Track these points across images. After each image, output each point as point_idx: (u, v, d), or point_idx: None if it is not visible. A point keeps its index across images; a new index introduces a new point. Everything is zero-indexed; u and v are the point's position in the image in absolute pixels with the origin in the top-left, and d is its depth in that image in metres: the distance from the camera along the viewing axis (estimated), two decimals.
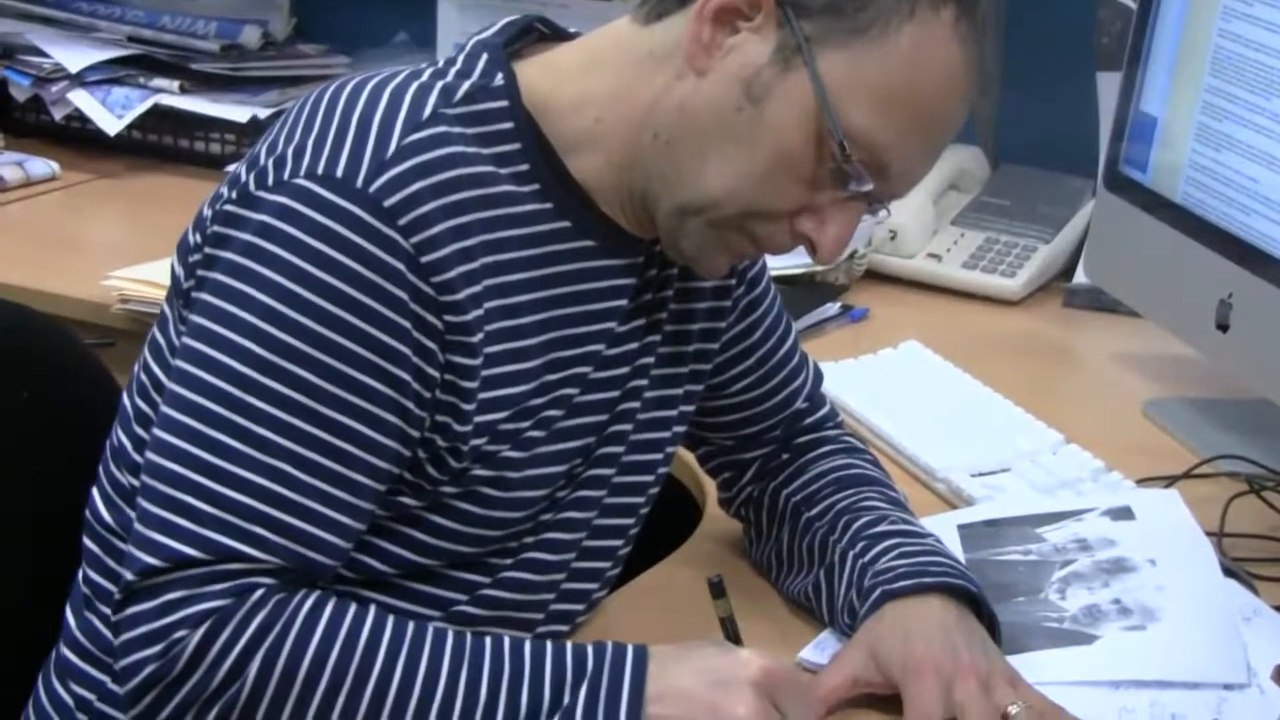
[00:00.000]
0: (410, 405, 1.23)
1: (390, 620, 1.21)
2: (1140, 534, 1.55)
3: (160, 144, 2.57)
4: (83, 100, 2.54)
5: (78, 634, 1.36)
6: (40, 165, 2.52)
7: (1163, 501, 1.63)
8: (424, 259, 1.20)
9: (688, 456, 1.63)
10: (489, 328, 1.25)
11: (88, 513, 1.36)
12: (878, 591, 1.36)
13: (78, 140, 2.57)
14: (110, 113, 2.53)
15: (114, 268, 2.13)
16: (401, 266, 1.20)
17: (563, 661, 1.21)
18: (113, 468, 1.35)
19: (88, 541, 1.36)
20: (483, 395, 1.25)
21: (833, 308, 2.20)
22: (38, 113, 2.60)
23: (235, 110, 2.51)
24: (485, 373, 1.25)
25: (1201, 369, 1.99)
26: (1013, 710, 1.28)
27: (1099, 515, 1.59)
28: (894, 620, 1.34)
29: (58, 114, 2.56)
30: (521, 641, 1.23)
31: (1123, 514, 1.59)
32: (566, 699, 1.19)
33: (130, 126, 2.53)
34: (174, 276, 1.29)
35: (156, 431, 1.23)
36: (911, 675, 1.29)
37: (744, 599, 1.48)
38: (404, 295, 1.20)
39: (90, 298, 2.11)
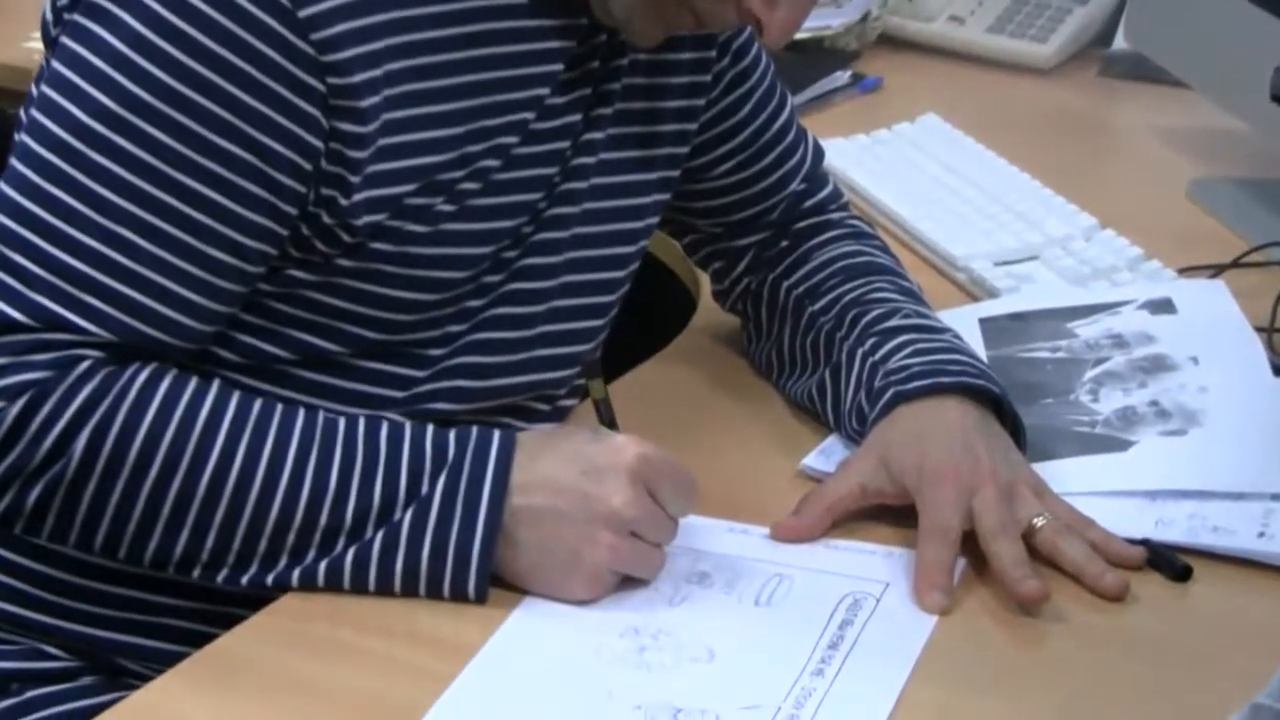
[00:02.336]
0: (282, 177, 1.22)
1: (235, 396, 1.22)
2: (1181, 329, 1.56)
3: None
4: None
5: None
6: None
7: (1207, 293, 1.63)
8: (302, 13, 1.19)
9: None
10: (389, 91, 1.23)
11: None
12: (889, 393, 1.36)
13: None
14: None
15: (35, 30, 2.09)
16: (272, 21, 1.19)
17: (421, 448, 1.22)
18: None
19: None
20: (378, 167, 1.24)
21: (842, 76, 2.17)
22: None
23: None
24: (383, 141, 1.23)
25: (1253, 145, 1.98)
26: (1037, 522, 1.29)
27: (1136, 308, 1.60)
28: (907, 424, 1.34)
29: None
30: (379, 424, 1.23)
31: (1162, 307, 1.60)
32: (424, 489, 1.21)
33: None
34: (43, 23, 1.28)
35: (0, 185, 1.22)
36: (927, 483, 1.29)
37: (741, 403, 1.51)
38: (275, 54, 1.19)
39: (11, 62, 2.13)
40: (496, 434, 1.23)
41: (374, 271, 1.28)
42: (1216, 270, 1.73)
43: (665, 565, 1.26)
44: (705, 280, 1.63)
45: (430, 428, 1.24)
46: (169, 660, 1.22)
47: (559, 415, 1.42)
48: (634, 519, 1.22)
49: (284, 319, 1.29)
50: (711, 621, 1.22)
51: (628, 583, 1.24)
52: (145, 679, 1.21)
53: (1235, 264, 1.75)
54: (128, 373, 1.20)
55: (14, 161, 1.22)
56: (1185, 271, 1.72)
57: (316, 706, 1.14)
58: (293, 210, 1.24)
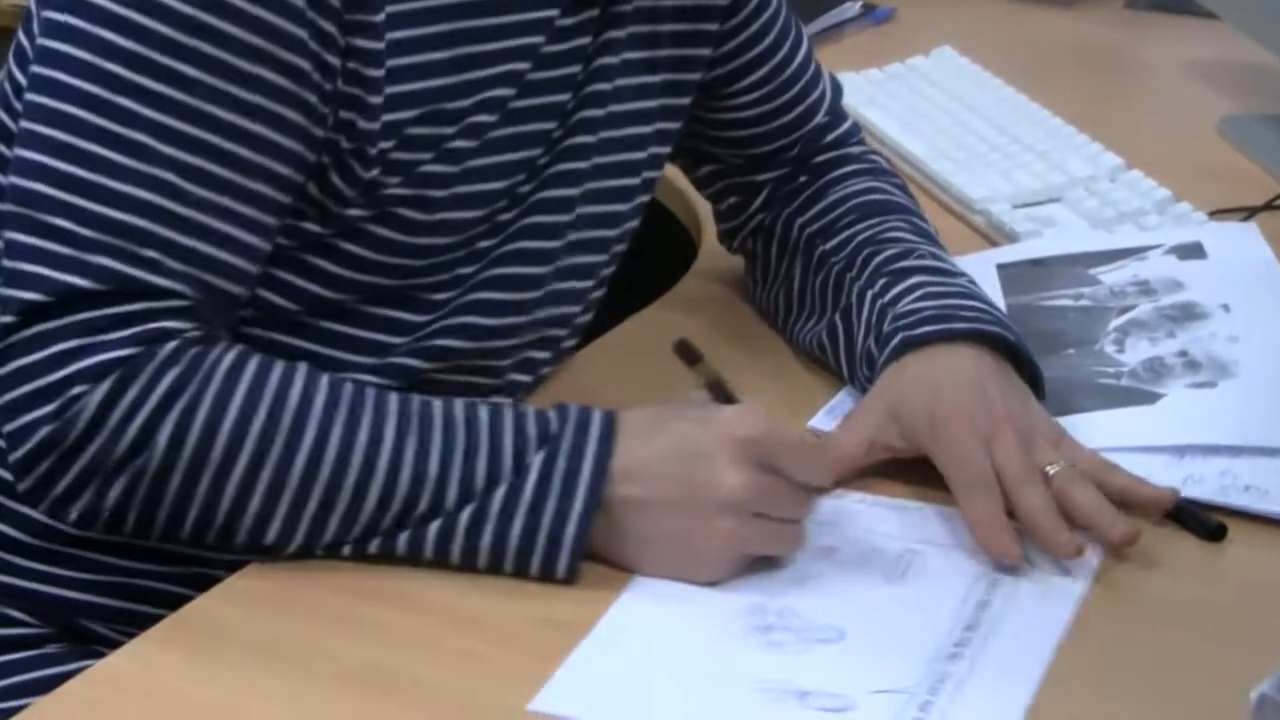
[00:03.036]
0: (312, 98, 1.21)
1: (325, 380, 1.20)
2: (1212, 275, 1.55)
3: None
4: None
5: None
6: None
7: (1239, 236, 1.63)
8: None
9: (682, 184, 1.63)
10: (391, 8, 1.22)
11: None
12: (898, 338, 1.35)
13: None
14: None
15: None
16: None
17: (524, 432, 1.20)
18: None
19: None
20: (390, 89, 1.23)
21: (852, 7, 2.18)
22: None
23: None
24: (391, 62, 1.23)
25: None
26: (1050, 470, 1.28)
27: (1164, 253, 1.59)
28: (918, 373, 1.33)
29: None
30: (477, 406, 1.22)
31: (1192, 251, 1.59)
32: (519, 475, 1.19)
33: None
34: None
35: (18, 150, 1.20)
36: (941, 433, 1.29)
37: (744, 354, 1.50)
38: None
39: None
40: (597, 413, 1.21)
41: (389, 216, 1.27)
42: (1249, 212, 1.72)
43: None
44: (707, 223, 1.62)
45: (531, 408, 1.22)
46: (141, 623, 1.20)
47: (559, 359, 1.43)
48: (751, 500, 1.19)
49: (295, 269, 1.28)
50: (840, 599, 1.21)
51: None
52: (115, 645, 1.19)
53: (1269, 206, 1.75)
54: (214, 353, 1.18)
55: (30, 125, 1.19)
56: (1216, 214, 1.72)
57: (298, 672, 1.13)
58: (320, 133, 1.23)
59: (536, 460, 1.19)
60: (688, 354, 1.27)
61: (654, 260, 1.66)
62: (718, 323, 1.54)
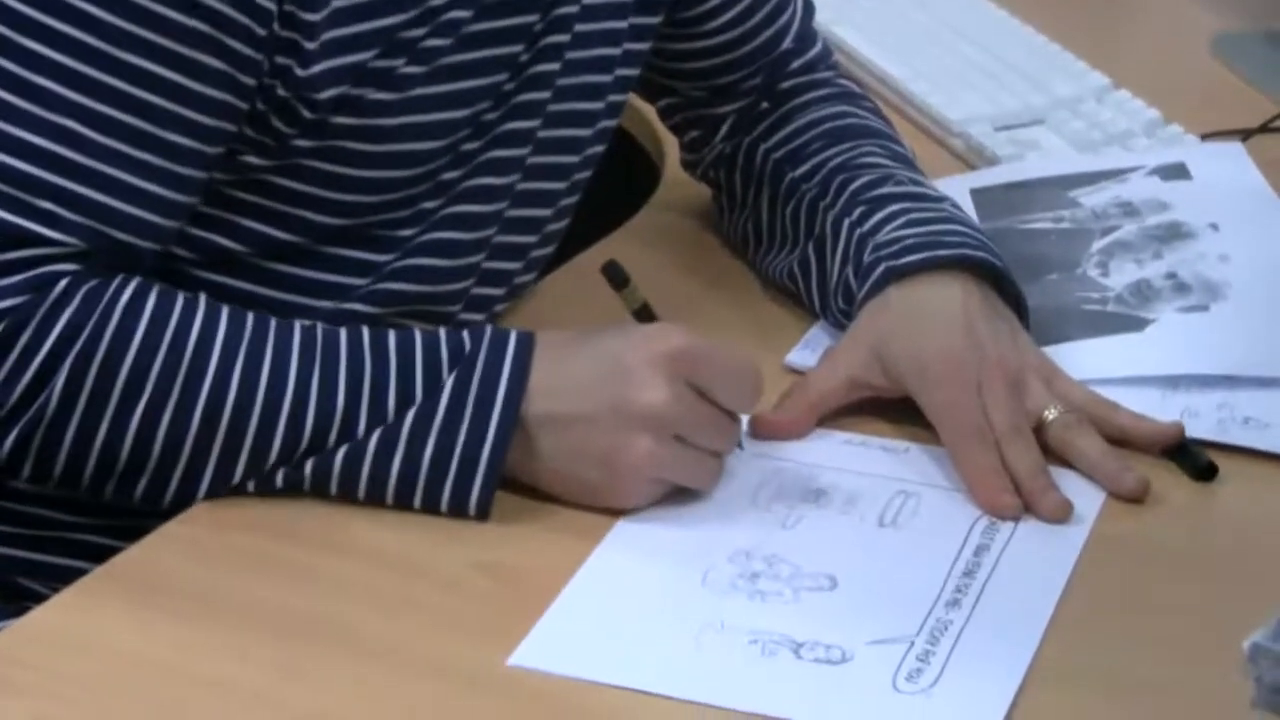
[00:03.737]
0: (236, 44, 1.19)
1: (225, 312, 1.20)
2: (1198, 194, 1.55)
3: None
4: None
5: None
6: None
7: (1224, 157, 1.63)
8: None
9: (645, 108, 1.61)
10: None
11: None
12: (880, 268, 1.34)
13: None
14: None
15: None
16: None
17: (436, 354, 1.20)
18: None
19: None
20: (337, 32, 1.22)
21: None
22: None
23: None
24: (338, 3, 1.21)
25: None
26: (1048, 415, 1.28)
27: (1146, 174, 1.59)
28: (901, 306, 1.33)
29: None
30: (385, 333, 1.22)
31: (1176, 172, 1.59)
32: (430, 396, 1.20)
33: None
34: None
35: None
36: (931, 382, 1.29)
37: (710, 288, 1.49)
38: None
39: None
40: (513, 331, 1.22)
41: (337, 150, 1.26)
42: (1244, 135, 1.71)
43: (777, 482, 1.25)
44: (671, 149, 1.61)
45: (443, 329, 1.22)
46: (75, 578, 1.18)
47: (513, 294, 1.42)
48: (675, 419, 1.19)
49: (239, 209, 1.27)
50: (831, 545, 1.20)
51: (733, 502, 1.23)
52: (47, 600, 1.17)
53: (1265, 128, 1.74)
54: (110, 290, 1.18)
55: None
56: (1209, 137, 1.71)
57: (234, 623, 1.12)
58: (250, 81, 1.21)
59: (449, 380, 1.19)
60: (615, 277, 1.27)
61: (621, 189, 1.65)
62: (681, 255, 1.54)
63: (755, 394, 1.23)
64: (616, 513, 1.21)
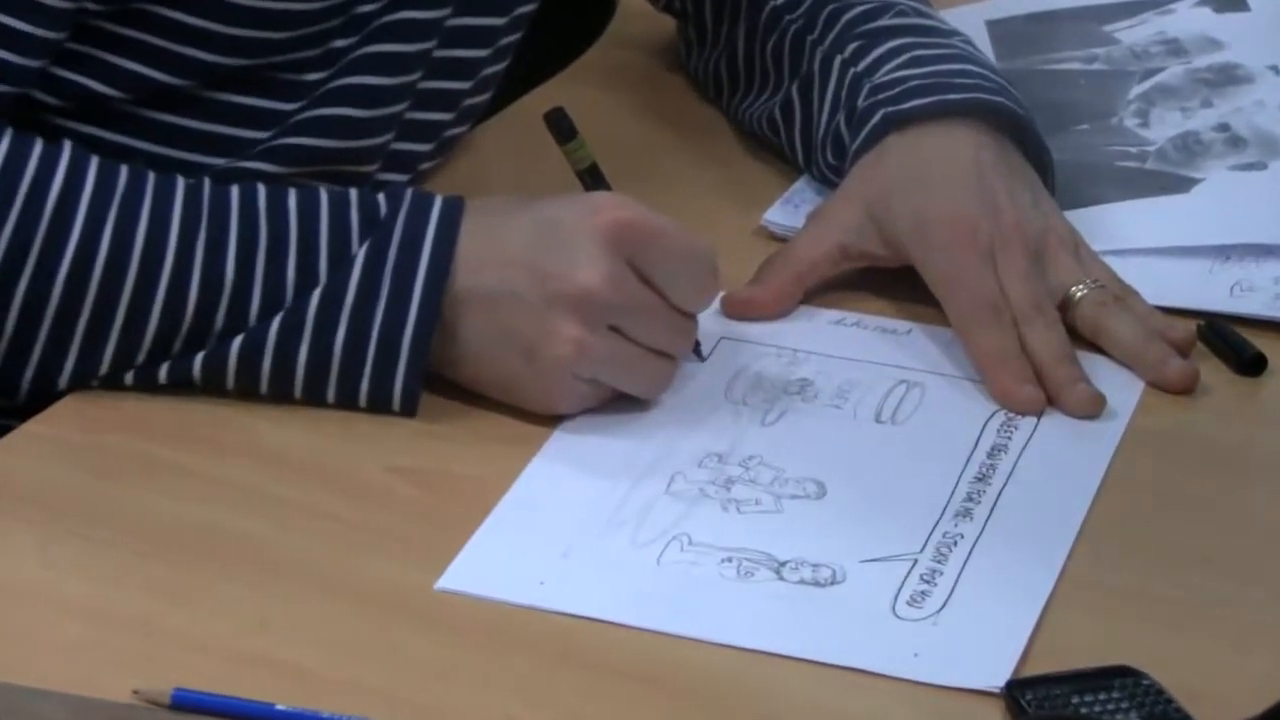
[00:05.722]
0: None
1: (94, 163, 1.20)
2: (1258, 29, 1.57)
3: None
4: None
5: None
6: None
7: None
8: None
9: None
10: None
11: None
12: (878, 115, 1.35)
13: None
14: None
15: None
16: None
17: (345, 218, 1.20)
18: None
19: None
20: None
21: None
22: None
23: None
24: None
25: None
26: (1076, 292, 1.29)
27: (1194, 3, 1.60)
28: (902, 159, 1.33)
29: None
30: (284, 193, 1.22)
31: (1230, 2, 1.61)
32: (338, 272, 1.20)
33: None
34: None
35: None
36: (935, 245, 1.29)
37: (675, 138, 1.50)
38: None
39: None
40: (439, 196, 1.22)
41: None
42: None
43: (755, 370, 1.25)
44: None
45: (354, 190, 1.22)
46: None
47: (443, 150, 1.43)
48: (610, 304, 1.18)
49: (114, 46, 1.26)
50: (819, 446, 1.20)
51: (702, 396, 1.23)
52: None
53: None
54: None
55: None
56: None
57: (109, 539, 1.12)
58: None
59: (361, 252, 1.18)
60: (560, 128, 1.26)
61: (570, 22, 1.65)
62: (640, 98, 1.55)
63: (708, 288, 1.22)
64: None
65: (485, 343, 1.19)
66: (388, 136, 1.35)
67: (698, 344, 1.24)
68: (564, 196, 1.22)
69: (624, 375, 1.20)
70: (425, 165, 1.41)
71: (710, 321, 1.27)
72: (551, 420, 1.20)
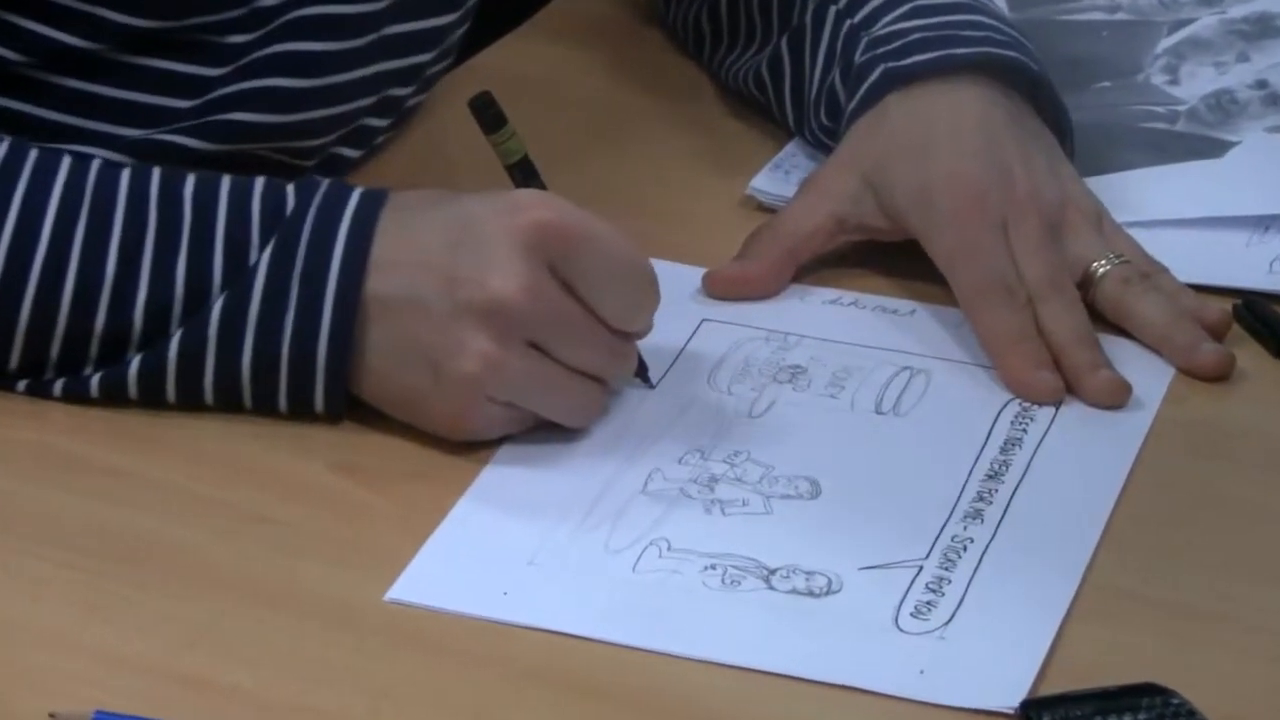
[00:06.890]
0: None
1: None
2: None
3: None
4: None
5: None
6: None
7: None
8: None
9: None
10: None
11: None
12: (877, 71, 1.35)
13: None
14: None
15: None
16: None
17: (246, 208, 1.19)
18: None
19: None
20: None
21: None
22: None
23: None
24: None
25: None
26: (1098, 268, 1.29)
27: None
28: (904, 124, 1.33)
29: None
30: (182, 178, 1.20)
31: None
32: (250, 262, 1.18)
33: None
34: None
35: None
36: (939, 215, 1.29)
37: (648, 99, 1.50)
38: None
39: None
40: (357, 190, 1.20)
41: None
42: None
43: (742, 356, 1.25)
44: None
45: (260, 180, 1.20)
46: None
47: (401, 123, 1.44)
48: (527, 316, 1.15)
49: (14, 5, 1.27)
50: (813, 440, 1.20)
51: (683, 385, 1.23)
52: None
53: None
54: None
55: None
56: None
57: (22, 546, 1.12)
58: None
59: (264, 258, 1.16)
60: (486, 115, 1.23)
61: None
62: (609, 55, 1.55)
63: (645, 304, 1.19)
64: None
65: (387, 355, 1.18)
66: (334, 109, 1.34)
67: (645, 369, 1.21)
68: (488, 193, 1.20)
69: (543, 399, 1.18)
70: (381, 139, 1.42)
71: (692, 302, 1.27)
72: None
